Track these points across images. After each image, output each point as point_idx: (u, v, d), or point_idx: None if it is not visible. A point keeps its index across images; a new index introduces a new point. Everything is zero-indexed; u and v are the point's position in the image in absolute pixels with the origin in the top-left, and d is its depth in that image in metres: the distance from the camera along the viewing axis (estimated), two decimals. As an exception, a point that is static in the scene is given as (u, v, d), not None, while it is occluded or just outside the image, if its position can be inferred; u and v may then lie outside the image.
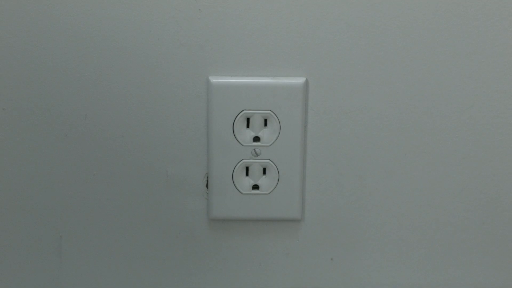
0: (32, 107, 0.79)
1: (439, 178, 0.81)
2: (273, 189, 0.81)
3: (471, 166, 0.81)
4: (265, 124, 0.79)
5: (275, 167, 0.80)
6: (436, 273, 0.85)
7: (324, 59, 0.78)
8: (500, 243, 0.84)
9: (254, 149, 0.80)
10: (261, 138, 0.79)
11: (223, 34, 0.77)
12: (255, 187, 0.81)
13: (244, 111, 0.79)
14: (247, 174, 0.81)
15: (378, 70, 0.78)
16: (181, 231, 0.83)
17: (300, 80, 0.78)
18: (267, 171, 0.80)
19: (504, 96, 0.79)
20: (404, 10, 0.76)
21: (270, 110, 0.79)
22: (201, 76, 0.78)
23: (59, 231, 0.83)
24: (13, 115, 0.79)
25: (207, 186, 0.81)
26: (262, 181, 0.81)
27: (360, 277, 0.85)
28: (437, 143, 0.80)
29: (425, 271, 0.85)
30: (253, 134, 0.79)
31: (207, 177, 0.81)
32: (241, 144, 0.79)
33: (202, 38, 0.77)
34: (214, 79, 0.78)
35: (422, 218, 0.83)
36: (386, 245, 0.84)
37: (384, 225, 0.83)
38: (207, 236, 0.83)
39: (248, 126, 0.79)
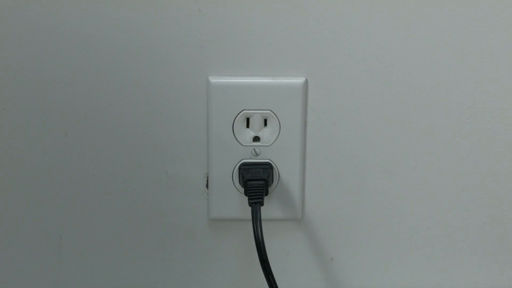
0: (32, 107, 0.79)
1: (439, 178, 0.81)
2: (273, 189, 0.81)
3: (471, 166, 0.81)
4: (265, 124, 0.79)
5: (275, 167, 0.80)
6: (436, 273, 0.85)
7: (324, 59, 0.78)
8: (500, 243, 0.84)
9: (254, 149, 0.80)
10: (261, 138, 0.79)
11: (223, 34, 0.77)
12: (255, 187, 0.81)
13: (244, 111, 0.79)
14: (247, 174, 0.81)
15: (378, 70, 0.78)
16: (181, 231, 0.83)
17: (300, 80, 0.78)
18: (267, 171, 0.81)
19: (504, 96, 0.79)
20: (404, 10, 0.76)
21: (270, 110, 0.79)
22: (201, 76, 0.78)
23: (59, 231, 0.83)
24: (13, 115, 0.79)
25: (207, 186, 0.81)
26: (262, 181, 0.81)
27: (360, 277, 0.85)
28: (437, 143, 0.80)
29: (425, 271, 0.85)
30: (253, 134, 0.79)
31: (207, 177, 0.81)
32: (241, 144, 0.79)
33: (202, 38, 0.77)
34: (214, 79, 0.78)
35: (422, 218, 0.83)
36: (386, 245, 0.84)
37: (384, 225, 0.83)
38: (207, 236, 0.83)
39: (248, 126, 0.79)
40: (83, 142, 0.80)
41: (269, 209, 0.82)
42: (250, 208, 0.77)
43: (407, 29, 0.77)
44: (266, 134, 0.79)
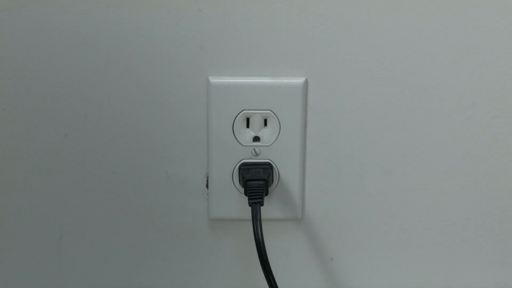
0: (32, 107, 0.79)
1: (439, 178, 0.81)
2: (273, 189, 0.81)
3: (471, 166, 0.81)
4: (265, 124, 0.79)
5: (275, 167, 0.80)
6: (436, 273, 0.85)
7: (324, 59, 0.78)
8: (500, 243, 0.84)
9: (254, 149, 0.80)
10: (261, 138, 0.79)
11: (223, 34, 0.77)
12: (255, 187, 0.81)
13: (244, 111, 0.79)
14: (247, 174, 0.81)
15: (378, 70, 0.78)
16: (181, 231, 0.83)
17: (300, 80, 0.78)
18: (267, 171, 0.81)
19: (504, 96, 0.79)
20: (404, 10, 0.76)
21: (270, 110, 0.79)
22: (201, 76, 0.78)
23: (59, 231, 0.83)
24: (13, 115, 0.79)
25: (207, 186, 0.81)
26: (262, 181, 0.81)
27: (360, 277, 0.85)
28: (437, 143, 0.80)
29: (425, 271, 0.85)
30: (253, 134, 0.79)
31: (207, 177, 0.81)
32: (241, 144, 0.79)
33: (202, 38, 0.77)
34: (214, 79, 0.78)
35: (422, 218, 0.83)
36: (386, 245, 0.84)
37: (384, 225, 0.83)
38: (207, 236, 0.83)
39: (248, 126, 0.79)
40: (83, 142, 0.80)
41: (269, 209, 0.82)
42: (250, 208, 0.77)
43: (407, 29, 0.77)
44: (266, 134, 0.79)
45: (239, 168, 0.80)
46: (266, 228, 0.79)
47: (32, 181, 0.81)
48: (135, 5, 0.76)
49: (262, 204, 0.77)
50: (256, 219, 0.76)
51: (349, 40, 0.77)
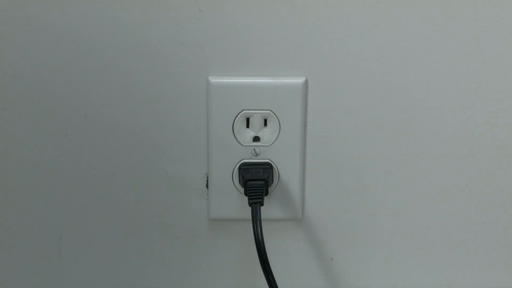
0: (32, 107, 0.79)
1: (439, 178, 0.81)
2: (273, 189, 0.81)
3: (471, 166, 0.81)
4: (265, 124, 0.79)
5: (275, 167, 0.80)
6: (436, 273, 0.85)
7: (324, 59, 0.78)
8: (500, 243, 0.84)
9: (254, 149, 0.80)
10: (261, 138, 0.79)
11: (223, 34, 0.77)
12: (255, 187, 0.81)
13: (244, 111, 0.79)
14: (247, 174, 0.81)
15: (378, 70, 0.78)
16: (181, 231, 0.83)
17: (300, 80, 0.78)
18: (267, 171, 0.81)
19: (504, 96, 0.79)
20: (404, 10, 0.76)
21: (270, 110, 0.79)
22: (201, 76, 0.78)
23: (59, 231, 0.83)
24: (13, 115, 0.79)
25: (207, 186, 0.81)
26: (262, 181, 0.81)
27: (360, 277, 0.85)
28: (437, 143, 0.80)
29: (425, 271, 0.85)
30: (253, 134, 0.79)
31: (207, 177, 0.81)
32: (241, 144, 0.79)
33: (202, 38, 0.77)
34: (214, 79, 0.78)
35: (422, 218, 0.83)
36: (386, 245, 0.84)
37: (384, 225, 0.83)
38: (207, 236, 0.83)
39: (248, 126, 0.79)
40: (83, 142, 0.80)
41: (269, 209, 0.82)
42: (250, 208, 0.77)
43: (407, 29, 0.77)
44: (266, 134, 0.79)
45: (239, 168, 0.80)
46: (266, 228, 0.79)
47: (32, 181, 0.81)
48: (135, 5, 0.76)
49: (262, 204, 0.77)
50: (256, 219, 0.76)
51: (349, 40, 0.77)
